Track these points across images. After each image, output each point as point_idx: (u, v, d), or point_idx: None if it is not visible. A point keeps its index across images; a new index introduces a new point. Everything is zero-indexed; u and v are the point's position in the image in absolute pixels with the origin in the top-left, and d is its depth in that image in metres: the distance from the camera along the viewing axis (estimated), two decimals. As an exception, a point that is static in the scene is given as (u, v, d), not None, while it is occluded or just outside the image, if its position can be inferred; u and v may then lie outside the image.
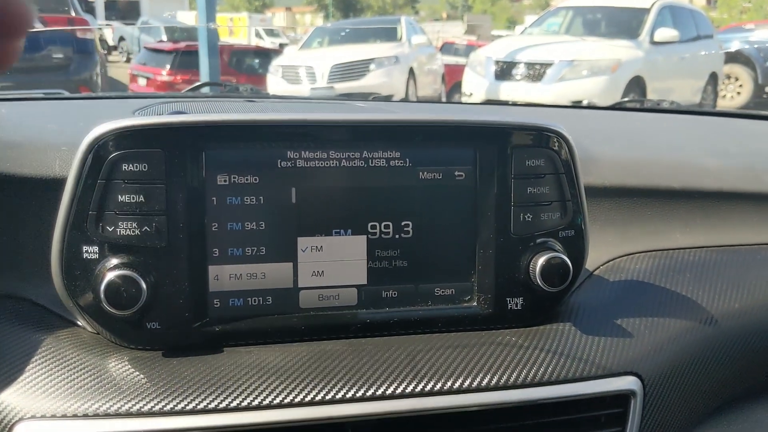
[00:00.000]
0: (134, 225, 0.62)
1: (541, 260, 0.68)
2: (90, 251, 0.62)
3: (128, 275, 0.60)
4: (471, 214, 0.69)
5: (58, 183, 0.71)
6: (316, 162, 0.66)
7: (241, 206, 0.64)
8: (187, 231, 0.63)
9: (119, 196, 0.61)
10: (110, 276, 0.60)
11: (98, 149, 0.61)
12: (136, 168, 0.61)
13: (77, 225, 0.61)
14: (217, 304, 0.65)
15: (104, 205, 0.61)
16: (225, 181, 0.64)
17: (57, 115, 1.09)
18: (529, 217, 0.69)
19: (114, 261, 0.61)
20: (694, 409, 0.75)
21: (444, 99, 9.87)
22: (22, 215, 0.72)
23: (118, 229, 0.62)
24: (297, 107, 1.24)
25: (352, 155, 0.66)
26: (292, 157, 0.65)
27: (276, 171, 0.65)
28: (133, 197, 0.61)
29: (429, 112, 1.31)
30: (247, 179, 0.64)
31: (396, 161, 0.67)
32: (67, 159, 0.74)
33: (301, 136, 0.65)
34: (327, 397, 0.61)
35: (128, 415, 0.58)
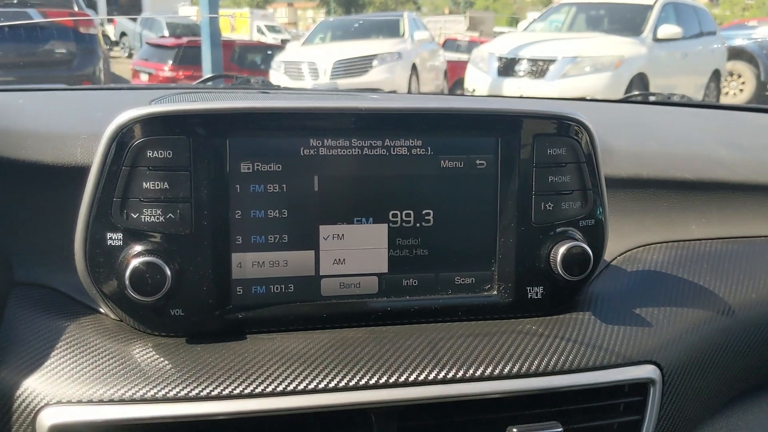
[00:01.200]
0: (158, 212, 0.62)
1: (561, 249, 0.68)
2: (114, 238, 0.62)
3: (153, 262, 0.60)
4: (492, 203, 0.69)
5: (81, 171, 0.71)
6: (339, 150, 0.66)
7: (264, 194, 0.65)
8: (210, 218, 0.63)
9: (144, 183, 0.62)
10: (135, 263, 0.60)
11: (122, 136, 0.61)
12: (161, 155, 0.61)
13: (101, 212, 0.62)
14: (239, 291, 0.65)
15: (128, 192, 0.62)
16: (248, 168, 0.64)
17: (72, 105, 1.09)
18: (550, 206, 0.70)
19: (138, 248, 0.62)
20: (712, 397, 0.76)
21: (446, 95, 9.86)
22: (43, 203, 0.73)
23: (143, 216, 0.62)
24: (314, 98, 1.24)
25: (374, 143, 0.66)
26: (314, 145, 0.65)
27: (299, 159, 0.65)
28: (157, 184, 0.62)
29: (447, 102, 1.31)
30: (270, 167, 0.64)
31: (417, 150, 0.67)
32: (88, 147, 0.74)
33: (324, 125, 0.65)
34: (350, 384, 0.61)
35: (153, 400, 0.58)
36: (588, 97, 1.82)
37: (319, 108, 0.65)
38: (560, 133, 0.70)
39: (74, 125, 0.82)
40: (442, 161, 0.68)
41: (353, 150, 0.66)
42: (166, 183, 0.62)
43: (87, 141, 0.76)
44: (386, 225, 0.68)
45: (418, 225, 0.68)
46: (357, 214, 0.67)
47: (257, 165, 0.64)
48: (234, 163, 0.64)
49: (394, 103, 0.68)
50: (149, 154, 0.61)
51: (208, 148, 0.62)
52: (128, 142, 0.61)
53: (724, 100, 8.99)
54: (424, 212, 0.68)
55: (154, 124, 0.61)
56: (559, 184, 0.70)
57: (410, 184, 0.68)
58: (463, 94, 8.04)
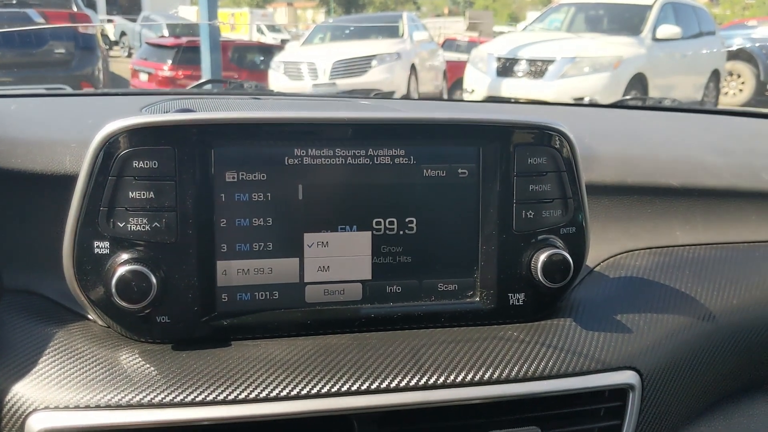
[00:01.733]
0: (144, 221, 0.63)
1: (542, 257, 0.69)
2: (101, 246, 0.63)
3: (139, 270, 0.61)
4: (474, 211, 0.70)
5: (69, 179, 0.72)
6: (323, 159, 0.67)
7: (248, 203, 0.66)
8: (196, 227, 0.64)
9: (130, 193, 0.63)
10: (121, 270, 0.61)
11: (109, 146, 0.62)
12: (147, 165, 0.62)
13: (88, 221, 0.63)
14: (225, 298, 0.66)
15: (115, 201, 0.63)
16: (233, 178, 0.65)
17: (64, 112, 1.10)
18: (531, 214, 0.71)
19: (124, 256, 0.63)
20: (692, 403, 0.77)
21: (445, 95, 9.87)
22: (32, 211, 0.74)
23: (129, 225, 0.63)
24: (303, 105, 1.25)
25: (358, 153, 0.67)
26: (299, 154, 0.66)
27: (283, 168, 0.66)
28: (143, 193, 0.63)
29: (432, 110, 1.32)
30: (255, 176, 0.65)
31: (401, 159, 0.68)
32: (77, 155, 0.76)
33: (309, 134, 0.66)
34: (333, 390, 0.62)
35: (139, 406, 0.59)
36: (586, 99, 1.83)
37: (303, 119, 0.66)
38: (541, 143, 0.71)
39: (64, 133, 0.84)
40: (424, 170, 0.69)
41: (337, 159, 0.67)
42: (151, 192, 0.63)
43: (76, 149, 0.77)
44: (370, 233, 0.69)
45: (401, 233, 0.69)
46: (341, 221, 0.68)
47: (242, 174, 0.65)
48: (219, 173, 0.65)
49: (378, 114, 0.69)
50: (135, 164, 0.62)
51: (194, 158, 0.63)
52: (114, 153, 0.62)
53: (723, 100, 8.99)
54: (407, 220, 0.69)
55: (139, 134, 0.62)
56: (539, 192, 0.71)
57: (393, 192, 0.69)
58: (462, 96, 8.05)
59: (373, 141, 0.68)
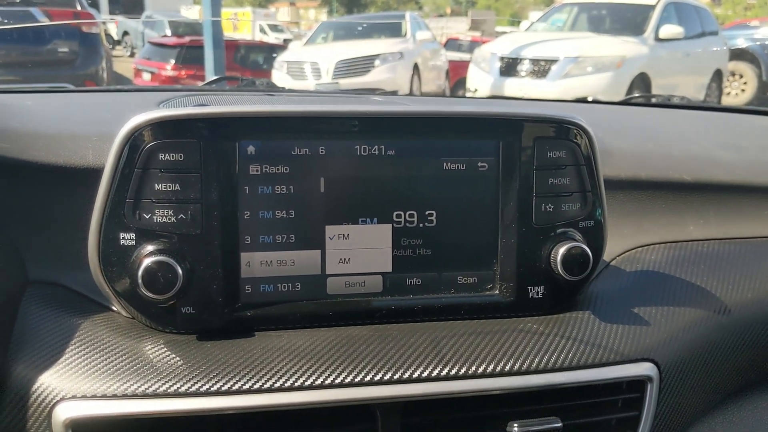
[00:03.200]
0: (170, 213, 0.64)
1: (561, 250, 0.70)
2: (127, 238, 0.64)
3: (165, 261, 0.62)
4: (494, 204, 0.71)
5: (92, 172, 0.73)
6: (344, 152, 0.67)
7: (272, 195, 0.66)
8: (220, 219, 0.65)
9: (156, 185, 0.63)
10: (147, 262, 0.62)
11: (135, 139, 0.63)
12: (173, 157, 0.63)
13: (114, 213, 0.63)
14: (248, 289, 0.67)
15: (141, 193, 0.63)
16: (257, 170, 0.66)
17: (78, 107, 1.11)
18: (550, 207, 0.71)
19: (150, 247, 0.63)
20: (708, 394, 0.78)
21: (448, 95, 9.87)
22: (55, 203, 0.74)
23: (155, 217, 0.64)
24: (317, 101, 1.25)
25: (379, 146, 0.68)
26: (321, 147, 0.67)
27: (306, 161, 0.67)
28: (169, 186, 0.63)
29: (451, 105, 1.32)
30: (278, 169, 0.66)
31: (421, 152, 0.69)
32: (99, 149, 0.76)
33: (331, 128, 0.67)
34: (355, 380, 0.63)
35: (164, 395, 0.60)
36: (590, 98, 1.83)
37: (327, 112, 0.67)
38: (560, 136, 0.71)
39: (84, 127, 0.84)
40: (444, 163, 0.70)
41: (358, 152, 0.68)
42: (177, 185, 0.64)
43: (98, 142, 0.77)
44: (390, 225, 0.69)
45: (421, 225, 0.70)
46: (362, 214, 0.69)
47: (265, 167, 0.66)
48: (243, 165, 0.65)
49: (398, 107, 0.70)
50: (161, 156, 0.63)
51: (218, 151, 0.64)
52: (140, 145, 0.63)
53: (725, 100, 8.99)
54: (427, 213, 0.70)
55: (166, 127, 0.63)
56: (559, 186, 0.71)
57: (414, 185, 0.69)
58: (464, 95, 8.05)
59: (394, 135, 0.68)
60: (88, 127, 0.84)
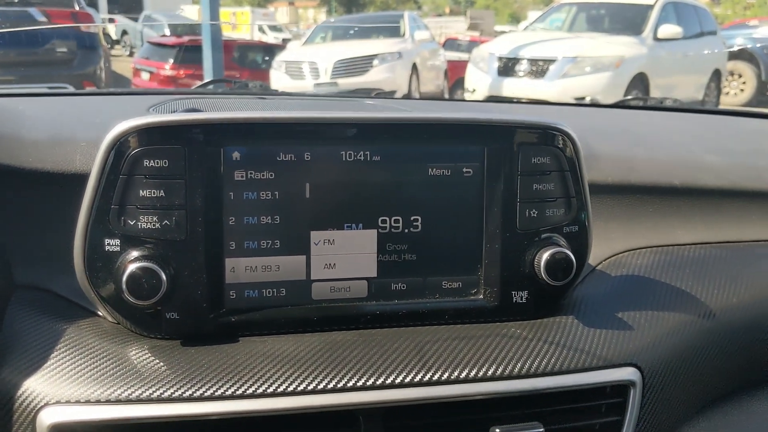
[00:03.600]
0: (155, 219, 0.64)
1: (545, 255, 0.70)
2: (112, 244, 0.64)
3: (149, 267, 0.62)
4: (478, 210, 0.71)
5: (80, 178, 0.73)
6: (330, 158, 0.68)
7: (257, 201, 0.67)
8: (204, 225, 0.65)
9: (140, 191, 0.64)
10: (132, 268, 0.62)
11: (120, 145, 0.63)
12: (157, 164, 0.64)
13: (99, 219, 0.64)
14: (233, 295, 0.67)
15: (126, 199, 0.64)
16: (242, 176, 0.66)
17: (70, 111, 1.11)
18: (534, 212, 0.72)
19: (135, 253, 0.64)
20: (692, 399, 0.78)
21: (446, 95, 9.88)
22: (43, 208, 0.75)
23: (139, 223, 0.64)
24: (308, 105, 1.26)
25: (364, 152, 0.68)
26: (306, 153, 0.67)
27: (291, 167, 0.67)
28: (153, 192, 0.64)
29: (437, 110, 1.33)
30: (263, 175, 0.67)
31: (406, 158, 0.69)
32: (87, 154, 0.77)
33: (316, 134, 0.67)
34: (338, 386, 0.63)
35: (148, 400, 0.60)
36: (586, 99, 1.84)
37: (311, 119, 0.67)
38: (545, 142, 0.72)
39: (73, 132, 0.85)
40: (430, 169, 0.70)
41: (344, 158, 0.68)
42: (161, 191, 0.64)
43: (86, 148, 0.78)
44: (375, 231, 0.70)
45: (406, 231, 0.70)
46: (347, 220, 0.69)
47: (250, 173, 0.66)
48: (228, 171, 0.66)
49: (384, 114, 0.70)
50: (146, 163, 0.63)
51: (203, 157, 0.65)
52: (125, 152, 0.63)
53: (724, 100, 9.00)
54: (412, 218, 0.70)
55: (150, 133, 0.63)
56: (543, 191, 0.72)
57: (399, 190, 0.70)
58: (463, 95, 8.05)
59: (379, 140, 0.69)
60: (78, 132, 0.85)
